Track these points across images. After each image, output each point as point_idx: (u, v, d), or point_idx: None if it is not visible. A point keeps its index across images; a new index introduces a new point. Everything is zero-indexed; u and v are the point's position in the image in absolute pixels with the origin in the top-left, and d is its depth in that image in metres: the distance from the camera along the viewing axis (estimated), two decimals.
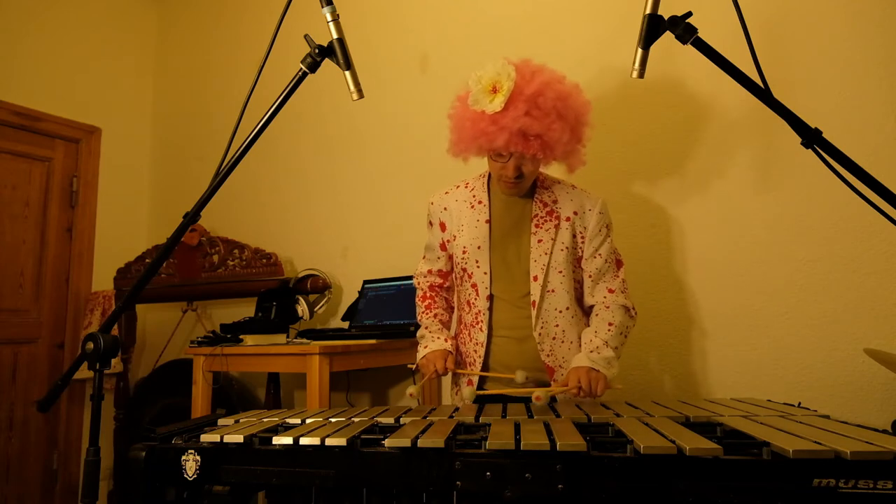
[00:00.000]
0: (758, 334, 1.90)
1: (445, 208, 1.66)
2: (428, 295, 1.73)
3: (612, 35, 2.20)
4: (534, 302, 1.53)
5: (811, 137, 1.02)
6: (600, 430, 1.08)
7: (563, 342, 1.55)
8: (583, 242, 1.57)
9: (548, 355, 1.54)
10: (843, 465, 0.81)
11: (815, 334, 1.82)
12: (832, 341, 1.80)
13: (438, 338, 1.62)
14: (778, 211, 1.90)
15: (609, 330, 1.51)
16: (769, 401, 1.38)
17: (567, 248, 1.54)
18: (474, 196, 1.63)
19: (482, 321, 1.57)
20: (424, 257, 1.76)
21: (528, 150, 1.40)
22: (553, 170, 1.68)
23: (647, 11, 1.08)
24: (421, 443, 0.96)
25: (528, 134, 1.38)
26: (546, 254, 1.53)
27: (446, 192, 1.69)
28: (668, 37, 1.09)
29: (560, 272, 1.54)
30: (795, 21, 1.91)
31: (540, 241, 1.54)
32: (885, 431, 0.98)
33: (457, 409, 1.33)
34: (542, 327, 1.53)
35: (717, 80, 1.99)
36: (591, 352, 1.47)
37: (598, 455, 0.91)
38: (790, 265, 1.88)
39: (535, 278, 1.53)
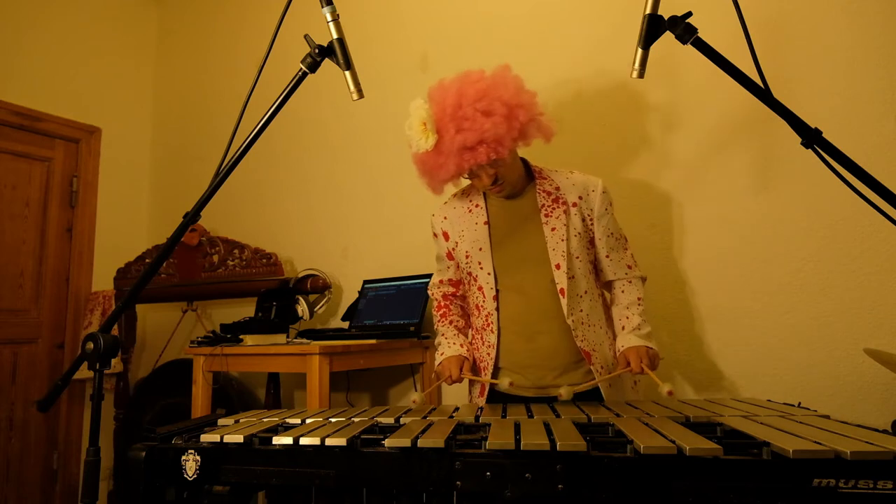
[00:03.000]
0: (758, 334, 1.90)
1: (445, 217, 1.69)
2: (442, 304, 1.74)
3: (611, 35, 2.20)
4: (562, 290, 1.53)
5: (811, 137, 1.02)
6: (600, 430, 1.08)
7: (590, 326, 1.57)
8: (592, 224, 1.60)
9: (582, 340, 1.54)
10: (843, 465, 0.81)
11: (815, 334, 1.82)
12: (832, 341, 1.80)
13: (454, 343, 1.63)
14: (778, 211, 1.90)
15: (639, 305, 1.61)
16: (769, 401, 1.38)
17: (580, 233, 1.57)
18: (471, 201, 1.66)
19: (492, 322, 1.57)
20: (437, 269, 1.78)
21: (480, 158, 1.42)
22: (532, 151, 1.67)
23: (647, 11, 1.08)
24: (421, 443, 0.96)
25: (469, 147, 1.41)
26: (563, 240, 1.55)
27: (445, 203, 1.72)
28: (668, 37, 1.09)
29: (577, 258, 1.57)
30: (795, 21, 1.91)
31: (553, 229, 1.56)
32: (885, 431, 0.98)
33: (457, 408, 1.33)
34: (573, 314, 1.54)
35: (717, 80, 2.00)
36: (635, 329, 1.54)
37: (598, 455, 0.91)
38: (790, 265, 1.88)
39: (558, 266, 1.54)
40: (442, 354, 1.62)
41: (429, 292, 1.81)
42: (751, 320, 1.92)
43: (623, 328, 1.58)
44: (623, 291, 1.64)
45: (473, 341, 1.66)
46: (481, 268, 1.59)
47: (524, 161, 1.66)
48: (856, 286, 1.78)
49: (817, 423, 1.04)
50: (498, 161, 1.47)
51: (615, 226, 1.64)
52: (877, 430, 0.99)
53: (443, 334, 1.68)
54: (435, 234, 1.72)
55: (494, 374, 1.57)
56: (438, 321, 1.72)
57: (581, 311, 1.56)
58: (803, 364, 1.83)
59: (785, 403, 1.33)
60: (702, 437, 0.92)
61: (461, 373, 1.54)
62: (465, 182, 1.65)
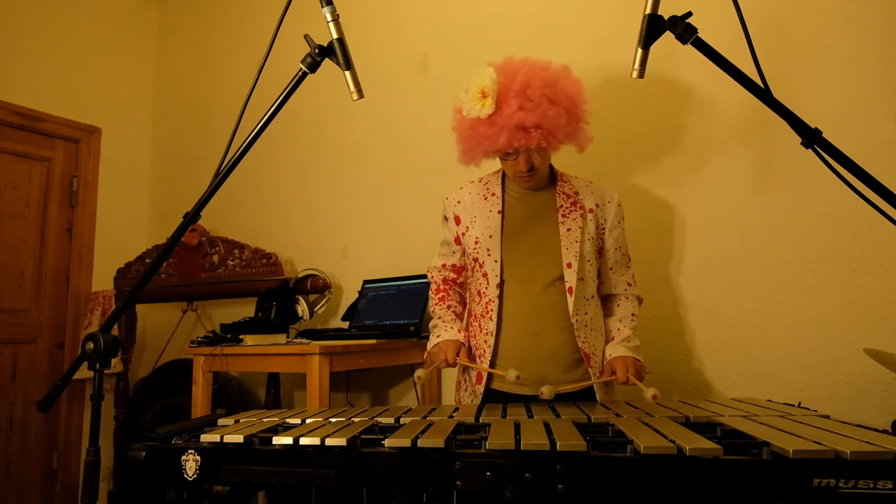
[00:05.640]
0: (758, 334, 1.90)
1: (459, 202, 1.68)
2: (441, 288, 1.74)
3: (611, 35, 2.20)
4: (570, 288, 1.54)
5: (811, 137, 1.02)
6: (600, 430, 1.09)
7: (592, 330, 1.58)
8: (604, 233, 1.63)
9: (583, 342, 1.54)
10: (843, 465, 0.81)
11: (815, 334, 1.82)
12: (832, 341, 1.80)
13: (451, 328, 1.63)
14: (778, 211, 1.90)
15: (632, 320, 1.64)
16: (769, 401, 1.38)
17: (592, 238, 1.59)
18: (488, 189, 1.66)
19: (492, 310, 1.57)
20: (440, 253, 1.77)
21: (531, 142, 1.43)
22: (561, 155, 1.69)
23: (647, 11, 1.08)
24: (421, 443, 0.96)
25: (526, 127, 1.42)
26: (577, 241, 1.56)
27: (461, 188, 1.71)
28: (668, 37, 1.09)
29: (588, 261, 1.58)
30: (795, 21, 1.91)
31: (569, 229, 1.57)
32: (885, 431, 0.98)
33: (457, 408, 1.33)
34: (577, 315, 1.54)
35: (717, 80, 2.00)
36: (624, 341, 1.58)
37: (598, 455, 0.91)
38: (790, 265, 1.88)
39: (570, 265, 1.55)
40: (438, 337, 1.61)
41: (427, 274, 1.80)
42: (751, 320, 1.92)
43: (613, 338, 1.61)
44: (619, 305, 1.67)
45: (470, 328, 1.65)
46: (489, 255, 1.59)
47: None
48: (856, 286, 1.78)
49: (817, 423, 1.04)
50: (542, 151, 1.50)
51: (624, 241, 1.67)
52: (877, 430, 0.99)
53: (440, 317, 1.68)
54: (445, 218, 1.72)
55: (492, 364, 1.55)
56: (436, 304, 1.71)
57: (586, 313, 1.57)
58: (803, 364, 1.83)
59: (785, 403, 1.33)
60: (702, 437, 0.92)
61: (457, 357, 1.54)
62: (488, 167, 1.66)
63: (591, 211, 1.61)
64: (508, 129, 1.42)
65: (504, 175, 1.67)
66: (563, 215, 1.59)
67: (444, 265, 1.75)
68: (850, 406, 1.75)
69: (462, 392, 1.69)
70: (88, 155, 3.40)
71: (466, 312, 1.72)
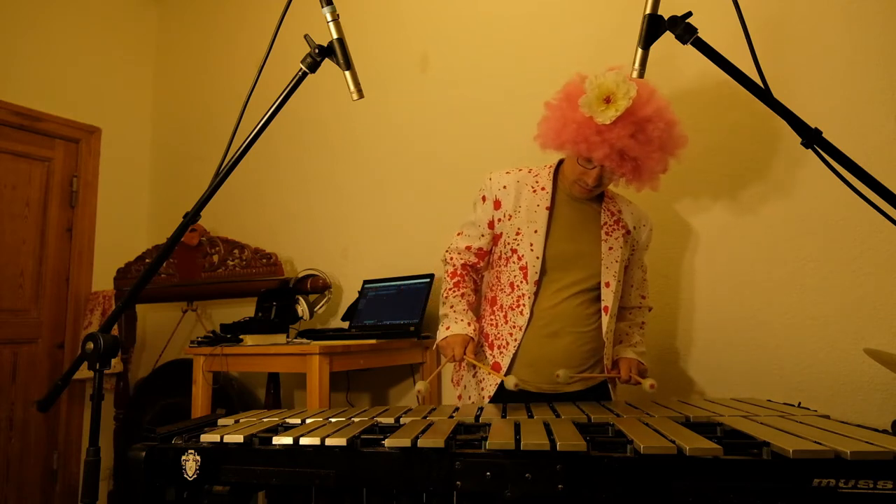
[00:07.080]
0: (758, 334, 1.90)
1: (504, 186, 1.62)
2: (459, 272, 1.68)
3: (611, 35, 2.20)
4: (606, 307, 1.56)
5: (811, 137, 1.02)
6: (600, 430, 1.09)
7: (612, 344, 1.63)
8: (632, 254, 1.68)
9: (608, 358, 1.58)
10: (843, 465, 0.81)
11: (815, 334, 1.82)
12: (832, 341, 1.80)
13: (462, 320, 1.60)
14: (778, 211, 1.90)
15: (641, 328, 1.74)
16: (769, 401, 1.38)
17: (625, 259, 1.63)
18: (538, 182, 1.62)
19: (525, 304, 1.54)
20: (461, 233, 1.71)
21: (621, 169, 1.44)
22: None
23: (647, 11, 1.08)
24: (421, 443, 0.96)
25: (626, 155, 1.41)
26: (617, 261, 1.58)
27: (507, 172, 1.65)
28: (668, 37, 1.09)
29: (619, 282, 1.61)
30: (795, 21, 1.91)
31: (611, 248, 1.59)
32: (885, 431, 0.98)
33: (457, 409, 1.34)
34: (608, 334, 1.57)
35: (717, 80, 2.00)
36: (632, 346, 1.66)
37: (598, 455, 0.91)
38: (790, 265, 1.88)
39: (608, 284, 1.56)
40: (448, 329, 1.58)
41: (445, 255, 1.73)
42: (751, 320, 1.92)
43: (621, 342, 1.66)
44: (631, 313, 1.75)
45: (493, 317, 1.63)
46: (531, 250, 1.55)
47: None
48: (856, 286, 1.78)
49: (817, 423, 1.04)
50: (619, 177, 1.51)
51: (645, 262, 1.76)
52: (877, 430, 0.99)
53: (451, 307, 1.63)
54: (483, 198, 1.65)
55: (513, 360, 1.55)
56: (450, 290, 1.65)
57: (611, 331, 1.60)
58: (803, 364, 1.83)
59: (785, 403, 1.33)
60: (702, 437, 0.92)
61: (465, 354, 1.53)
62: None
63: (628, 233, 1.63)
64: (610, 146, 1.38)
65: (556, 173, 1.64)
66: (607, 233, 1.60)
67: (468, 247, 1.68)
68: (850, 406, 1.75)
69: (462, 372, 1.69)
70: (88, 155, 3.40)
71: (489, 301, 1.67)
